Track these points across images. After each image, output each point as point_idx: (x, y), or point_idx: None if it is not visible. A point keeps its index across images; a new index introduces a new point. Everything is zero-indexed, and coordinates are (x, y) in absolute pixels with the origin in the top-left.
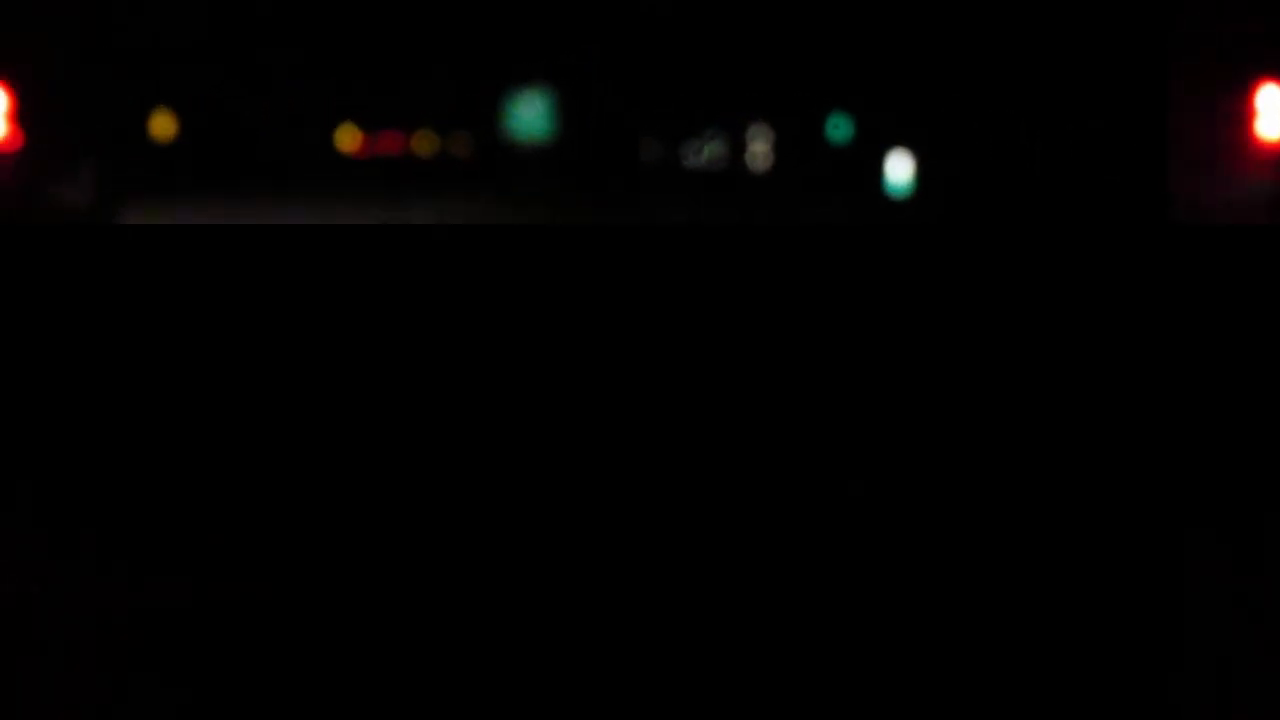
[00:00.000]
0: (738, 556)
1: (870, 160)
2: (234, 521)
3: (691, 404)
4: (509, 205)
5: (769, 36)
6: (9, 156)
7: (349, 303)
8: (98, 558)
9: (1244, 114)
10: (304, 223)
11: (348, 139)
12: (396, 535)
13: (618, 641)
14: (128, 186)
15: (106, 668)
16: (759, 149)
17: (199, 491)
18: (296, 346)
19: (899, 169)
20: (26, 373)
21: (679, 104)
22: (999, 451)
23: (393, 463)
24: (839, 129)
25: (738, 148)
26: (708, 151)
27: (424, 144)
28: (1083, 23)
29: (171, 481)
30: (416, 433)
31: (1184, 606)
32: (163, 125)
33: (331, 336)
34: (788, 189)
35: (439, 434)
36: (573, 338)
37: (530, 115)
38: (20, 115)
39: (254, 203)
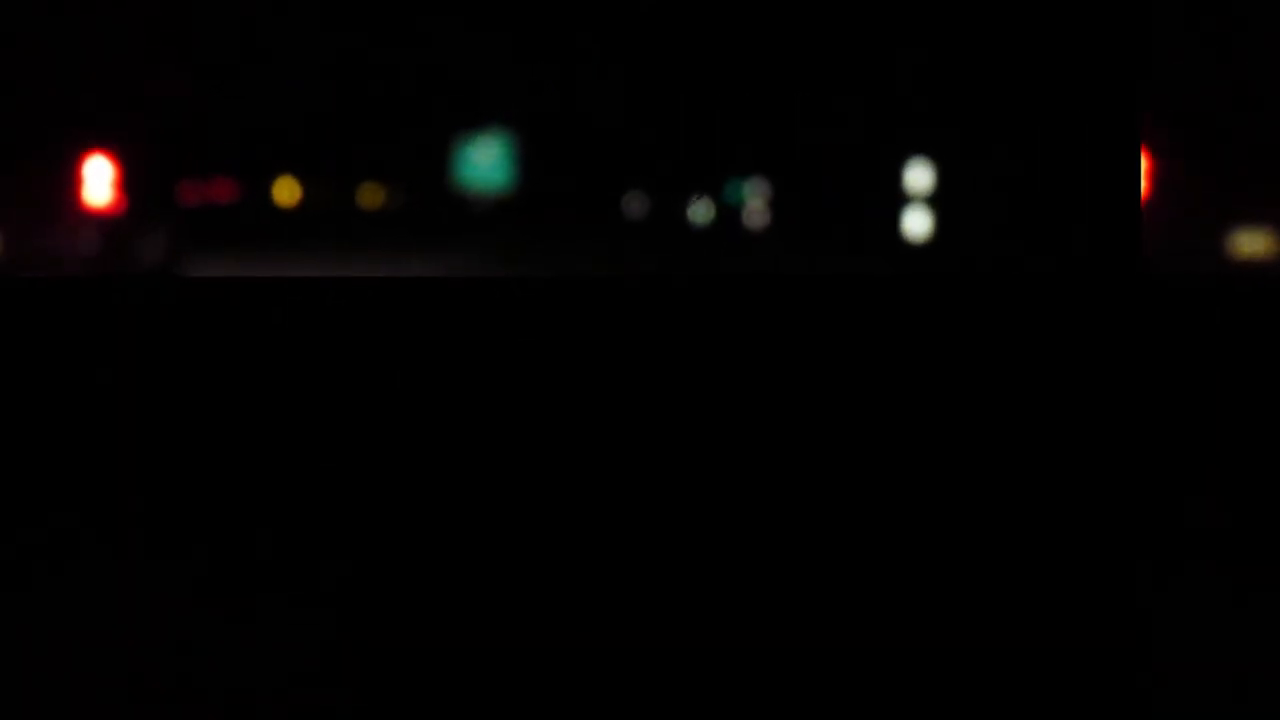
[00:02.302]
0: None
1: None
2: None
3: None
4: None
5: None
6: (113, 220)
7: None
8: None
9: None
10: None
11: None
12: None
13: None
14: (190, 245)
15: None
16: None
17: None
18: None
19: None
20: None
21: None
22: (981, 482)
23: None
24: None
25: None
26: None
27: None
28: (1058, 69)
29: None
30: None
31: (1155, 623)
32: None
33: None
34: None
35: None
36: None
37: (482, 165)
38: (124, 184)
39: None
